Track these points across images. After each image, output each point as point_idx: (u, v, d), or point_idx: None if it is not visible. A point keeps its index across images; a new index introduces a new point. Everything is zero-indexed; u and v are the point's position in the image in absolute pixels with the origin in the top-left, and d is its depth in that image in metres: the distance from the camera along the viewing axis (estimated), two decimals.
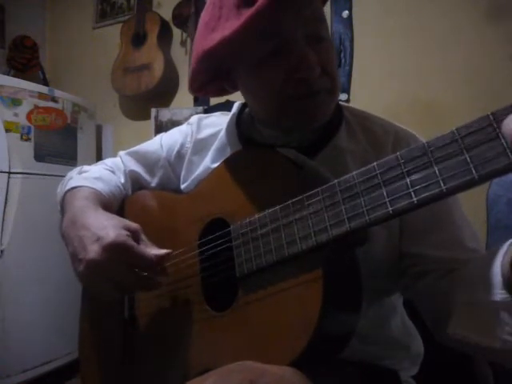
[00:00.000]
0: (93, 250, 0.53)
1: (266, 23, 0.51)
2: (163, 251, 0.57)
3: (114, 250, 0.53)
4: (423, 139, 0.40)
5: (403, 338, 0.67)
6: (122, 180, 0.80)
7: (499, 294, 0.42)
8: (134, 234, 0.58)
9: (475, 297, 0.45)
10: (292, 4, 0.51)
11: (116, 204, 0.77)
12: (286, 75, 0.55)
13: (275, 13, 0.50)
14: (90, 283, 0.58)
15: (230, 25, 0.52)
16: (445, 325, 0.49)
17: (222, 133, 0.73)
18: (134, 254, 0.54)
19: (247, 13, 0.50)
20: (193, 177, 0.74)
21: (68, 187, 0.73)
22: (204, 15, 0.60)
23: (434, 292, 0.55)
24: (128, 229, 0.58)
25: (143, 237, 0.60)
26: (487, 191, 1.25)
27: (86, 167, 0.81)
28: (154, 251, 0.57)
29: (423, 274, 0.57)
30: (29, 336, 1.70)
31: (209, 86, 0.66)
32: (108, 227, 0.56)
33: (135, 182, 0.83)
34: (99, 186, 0.73)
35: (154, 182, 0.81)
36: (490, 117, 0.35)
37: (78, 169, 0.81)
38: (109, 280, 0.55)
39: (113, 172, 0.81)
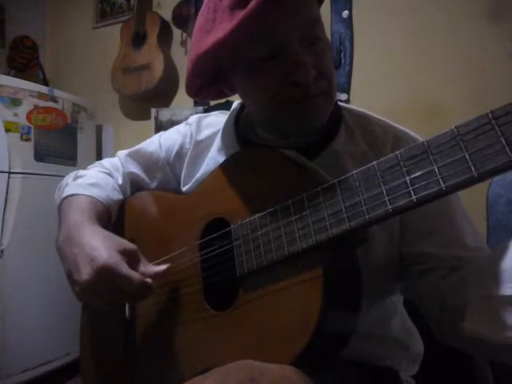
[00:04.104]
0: (85, 272, 0.54)
1: (259, 24, 0.50)
2: (161, 268, 0.60)
3: (105, 272, 0.54)
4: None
5: (403, 337, 0.67)
6: (120, 181, 0.80)
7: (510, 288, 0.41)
8: (131, 255, 0.59)
9: (487, 292, 0.44)
10: (286, 6, 0.51)
11: (115, 208, 0.77)
12: (281, 79, 0.54)
13: (268, 14, 0.49)
14: (86, 301, 0.63)
15: (224, 27, 0.52)
16: (454, 323, 0.49)
17: (220, 133, 0.73)
18: (123, 278, 0.55)
19: (240, 14, 0.49)
20: (194, 179, 0.73)
21: (64, 195, 0.72)
22: (199, 19, 0.59)
23: (437, 290, 0.54)
24: (123, 250, 0.58)
25: (141, 257, 0.61)
26: (487, 191, 1.25)
27: (81, 172, 0.80)
28: (152, 269, 0.60)
29: (425, 272, 0.57)
30: (29, 336, 1.69)
31: (206, 89, 0.65)
32: (101, 248, 0.56)
33: (134, 184, 0.82)
34: (95, 193, 0.72)
35: (153, 183, 0.81)
36: (489, 115, 0.35)
37: (73, 174, 0.80)
38: (102, 299, 0.57)
39: (110, 174, 0.81)
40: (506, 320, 0.41)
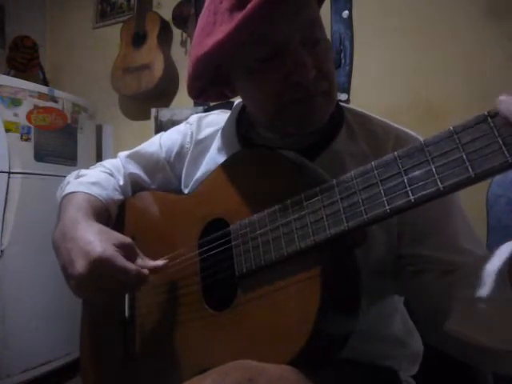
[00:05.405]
0: (80, 265, 0.55)
1: (258, 25, 0.50)
2: (158, 263, 0.61)
3: (100, 265, 0.54)
4: None
5: (404, 336, 0.67)
6: (121, 182, 0.80)
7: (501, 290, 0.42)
8: (127, 249, 0.59)
9: (470, 294, 0.44)
10: (285, 7, 0.51)
11: (115, 207, 0.77)
12: (281, 79, 0.54)
13: (267, 15, 0.49)
14: (82, 295, 0.63)
15: (223, 29, 0.52)
16: (439, 323, 0.49)
17: (220, 132, 0.73)
18: (119, 270, 0.55)
19: (239, 15, 0.50)
20: (194, 178, 0.73)
21: (65, 193, 0.73)
22: (200, 22, 0.60)
23: (429, 292, 0.55)
24: (119, 243, 0.58)
25: (138, 251, 0.62)
26: (487, 191, 1.25)
27: (83, 171, 0.81)
28: (149, 263, 0.61)
29: (418, 273, 0.57)
30: (29, 336, 1.69)
31: (208, 91, 0.66)
32: (95, 242, 0.57)
33: (135, 184, 0.83)
34: (95, 192, 0.72)
35: (154, 184, 0.81)
36: (487, 115, 0.35)
37: (75, 172, 0.81)
38: (98, 291, 0.57)
39: (111, 174, 0.81)
40: (485, 321, 0.42)
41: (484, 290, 0.43)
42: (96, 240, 0.57)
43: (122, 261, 0.55)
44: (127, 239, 0.61)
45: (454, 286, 0.50)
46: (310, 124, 0.58)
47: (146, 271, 0.58)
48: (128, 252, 0.59)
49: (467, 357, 0.51)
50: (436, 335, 0.53)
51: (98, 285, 0.56)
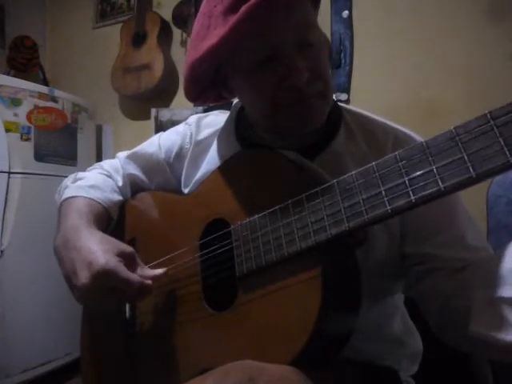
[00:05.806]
0: (83, 277, 0.55)
1: (251, 28, 0.50)
2: (158, 272, 0.61)
3: (103, 277, 0.54)
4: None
5: (404, 336, 0.67)
6: (120, 183, 0.80)
7: None
8: (128, 258, 0.59)
9: (490, 294, 0.44)
10: (278, 10, 0.51)
11: (116, 208, 0.77)
12: (276, 82, 0.54)
13: (260, 18, 0.49)
14: (86, 305, 0.66)
15: (217, 33, 0.52)
16: (457, 324, 0.49)
17: (220, 132, 0.73)
18: (122, 281, 0.55)
19: (233, 18, 0.50)
20: (194, 179, 0.73)
21: (63, 197, 0.73)
22: (196, 25, 0.60)
23: (440, 290, 0.54)
24: (121, 253, 0.58)
25: (138, 260, 0.62)
26: (487, 192, 1.25)
27: (80, 174, 0.80)
28: (149, 273, 0.60)
29: (427, 272, 0.57)
30: (29, 336, 1.70)
31: (205, 94, 0.66)
32: (98, 252, 0.57)
33: (134, 185, 0.82)
34: (94, 195, 0.72)
35: (153, 185, 0.81)
36: (488, 116, 0.35)
37: (73, 176, 0.80)
38: (101, 301, 0.58)
39: (109, 176, 0.81)
40: (507, 321, 0.42)
41: (505, 290, 0.43)
42: (99, 250, 0.57)
43: (124, 272, 0.56)
44: (129, 248, 0.61)
45: (468, 285, 0.49)
46: (307, 125, 0.58)
47: (149, 282, 0.58)
48: (129, 261, 0.59)
49: (488, 356, 0.51)
50: (454, 335, 0.53)
51: (101, 295, 0.56)
